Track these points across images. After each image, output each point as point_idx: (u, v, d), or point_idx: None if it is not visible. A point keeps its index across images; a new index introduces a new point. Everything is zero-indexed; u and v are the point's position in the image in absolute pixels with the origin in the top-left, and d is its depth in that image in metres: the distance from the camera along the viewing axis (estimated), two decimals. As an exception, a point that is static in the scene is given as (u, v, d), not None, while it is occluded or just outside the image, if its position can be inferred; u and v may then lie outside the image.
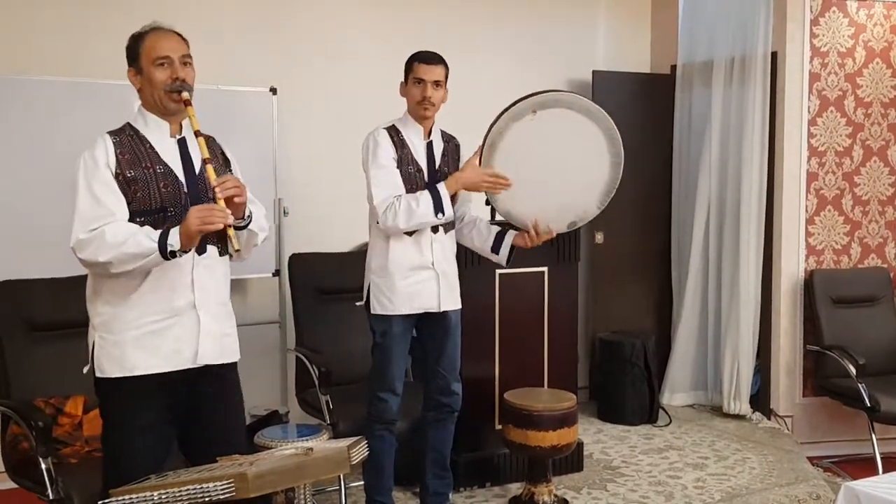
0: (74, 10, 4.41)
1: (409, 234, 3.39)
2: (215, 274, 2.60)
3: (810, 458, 4.78)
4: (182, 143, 2.58)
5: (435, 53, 3.42)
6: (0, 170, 4.12)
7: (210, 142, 2.63)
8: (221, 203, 2.41)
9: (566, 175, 3.39)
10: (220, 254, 2.62)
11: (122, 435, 2.51)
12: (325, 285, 4.37)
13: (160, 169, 2.52)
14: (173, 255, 2.40)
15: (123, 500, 2.17)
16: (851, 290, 5.14)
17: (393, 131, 3.44)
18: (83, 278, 3.53)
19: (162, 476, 2.32)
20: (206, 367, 2.56)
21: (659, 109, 5.76)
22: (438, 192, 3.32)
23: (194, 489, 2.12)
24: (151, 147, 2.54)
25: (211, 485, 2.11)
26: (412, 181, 3.39)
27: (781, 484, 4.28)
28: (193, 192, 2.54)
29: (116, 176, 2.47)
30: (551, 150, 3.34)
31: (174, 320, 2.51)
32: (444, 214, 3.32)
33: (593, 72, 5.62)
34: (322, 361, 3.89)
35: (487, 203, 3.68)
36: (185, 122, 2.59)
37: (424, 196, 3.32)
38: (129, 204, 2.47)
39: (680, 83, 5.69)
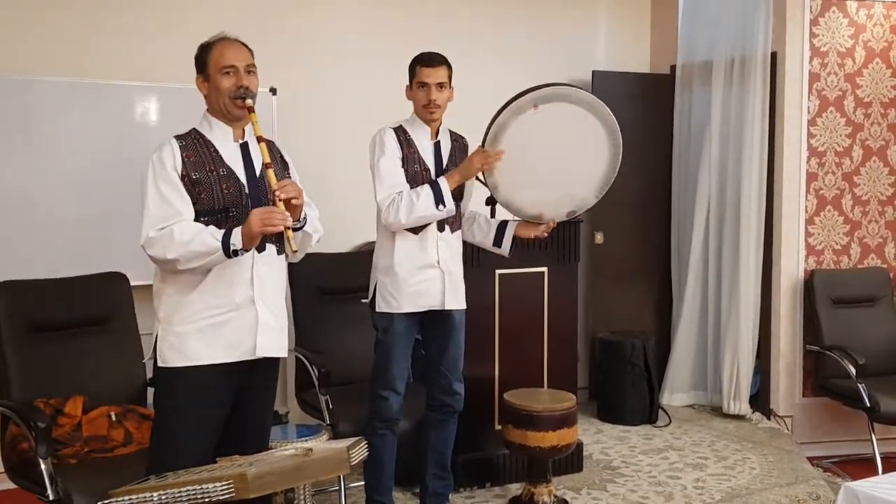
0: (75, 10, 4.40)
1: (415, 233, 3.40)
2: (273, 271, 2.75)
3: (810, 459, 4.78)
4: (244, 148, 2.74)
5: (436, 54, 3.43)
6: (1, 170, 4.12)
7: (271, 146, 2.76)
8: (281, 206, 2.56)
9: (566, 166, 3.44)
10: (278, 252, 2.76)
11: (179, 424, 2.64)
12: (326, 285, 4.37)
13: (223, 171, 2.66)
14: (235, 253, 2.55)
15: (123, 500, 2.17)
16: (851, 290, 5.14)
17: (400, 131, 3.46)
18: (84, 278, 3.57)
19: (162, 476, 2.33)
20: (262, 361, 2.70)
21: (659, 109, 5.76)
22: (439, 185, 3.35)
23: (194, 489, 2.12)
24: (215, 151, 2.69)
25: (210, 485, 2.12)
26: (418, 180, 3.40)
27: (781, 484, 4.28)
28: (254, 194, 2.69)
29: (182, 178, 2.61)
30: (552, 142, 3.39)
31: (234, 314, 2.66)
32: (444, 206, 3.34)
33: (593, 72, 5.62)
34: (322, 362, 3.89)
35: (487, 203, 3.69)
36: (248, 128, 2.74)
37: (425, 190, 3.34)
38: (194, 204, 2.61)
39: (680, 83, 5.69)
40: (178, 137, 2.69)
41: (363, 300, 3.58)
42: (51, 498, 2.92)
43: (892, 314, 5.19)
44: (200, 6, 4.63)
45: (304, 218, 2.73)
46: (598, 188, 3.50)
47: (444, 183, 3.36)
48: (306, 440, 3.49)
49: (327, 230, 4.79)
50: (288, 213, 2.56)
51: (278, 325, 2.77)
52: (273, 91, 4.68)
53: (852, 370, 4.62)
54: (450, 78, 3.44)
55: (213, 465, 2.39)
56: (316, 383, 3.86)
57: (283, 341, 2.80)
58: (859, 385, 4.57)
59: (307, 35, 4.97)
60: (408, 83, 3.46)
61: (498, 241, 3.59)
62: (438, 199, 3.33)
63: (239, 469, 2.20)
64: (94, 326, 3.54)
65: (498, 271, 4.17)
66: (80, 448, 3.21)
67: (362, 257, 3.76)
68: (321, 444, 2.70)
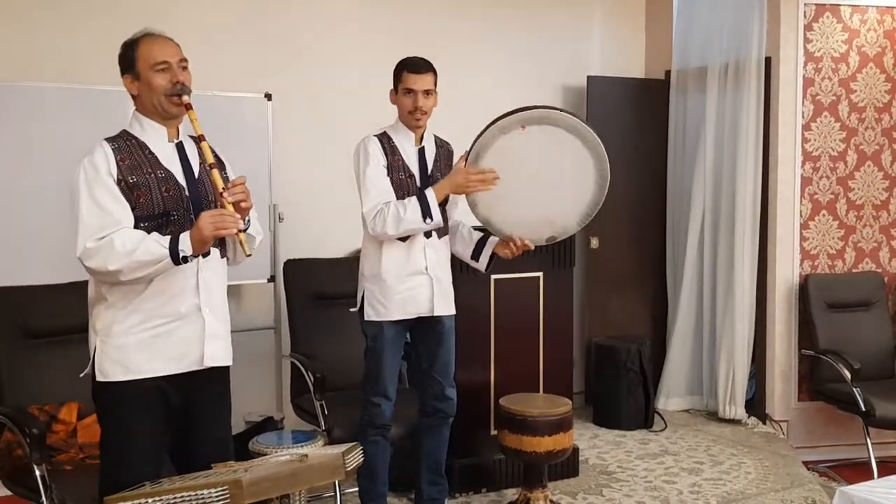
0: (70, 17, 4.40)
1: (402, 240, 3.39)
2: (218, 276, 2.64)
3: (806, 463, 4.78)
4: (180, 148, 2.61)
5: (423, 61, 3.41)
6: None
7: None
8: (230, 208, 2.45)
9: (549, 190, 3.36)
10: (221, 255, 2.65)
11: (124, 440, 2.50)
12: (320, 291, 4.37)
13: (161, 174, 2.53)
14: (185, 260, 2.43)
15: (118, 507, 2.17)
16: (846, 294, 5.15)
17: (384, 138, 3.45)
18: (78, 284, 3.53)
19: (156, 483, 2.32)
20: (207, 370, 2.58)
21: (653, 115, 5.77)
22: (426, 197, 3.32)
23: (189, 496, 2.12)
24: (150, 152, 2.55)
25: (206, 491, 2.11)
26: (403, 187, 3.39)
27: (777, 489, 4.29)
28: (194, 196, 2.56)
29: (119, 182, 2.47)
30: (537, 164, 3.33)
31: (179, 323, 2.53)
32: (432, 219, 3.32)
33: (588, 77, 5.63)
34: (317, 367, 3.88)
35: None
36: (182, 127, 2.61)
37: (412, 202, 3.32)
38: (132, 209, 2.47)
39: (674, 88, 5.70)
40: (109, 140, 2.53)
41: (351, 309, 3.56)
42: (45, 505, 2.91)
43: (887, 318, 5.20)
44: (196, 12, 4.63)
45: (248, 220, 2.61)
46: (582, 217, 3.41)
47: (431, 195, 3.32)
48: (302, 446, 3.49)
49: (323, 235, 4.85)
50: (238, 216, 2.45)
51: (225, 332, 2.65)
52: (268, 96, 4.68)
53: (847, 374, 4.62)
54: (435, 84, 3.43)
55: (208, 472, 2.39)
56: (311, 389, 3.85)
57: (229, 349, 2.66)
58: (854, 389, 4.57)
59: (302, 40, 4.97)
60: (392, 88, 3.45)
61: (476, 256, 3.55)
62: (426, 213, 3.30)
63: (234, 475, 2.20)
64: (88, 333, 3.52)
65: (493, 276, 4.17)
66: (75, 454, 3.21)
67: (357, 263, 3.76)
68: (316, 450, 2.69)
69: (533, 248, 3.45)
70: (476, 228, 3.63)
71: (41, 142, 4.17)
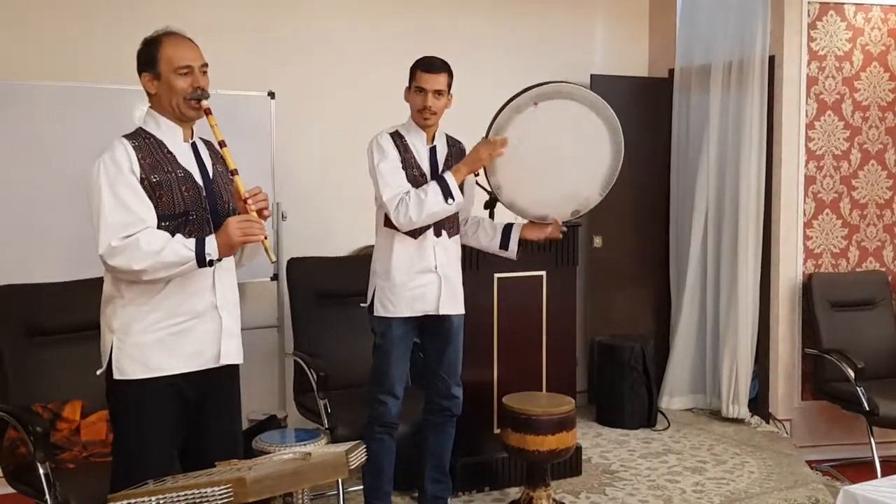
0: (73, 15, 4.41)
1: (414, 237, 3.40)
2: (231, 276, 2.67)
3: (809, 462, 4.78)
4: (194, 148, 2.63)
5: (438, 60, 3.42)
6: (0, 174, 4.11)
7: (211, 146, 2.67)
8: (254, 214, 2.48)
9: (568, 164, 3.44)
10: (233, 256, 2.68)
11: (140, 438, 2.53)
12: (324, 289, 4.37)
13: (180, 173, 2.55)
14: (210, 263, 2.46)
15: (121, 505, 2.17)
16: (850, 293, 5.14)
17: (396, 136, 3.46)
18: (83, 282, 3.56)
19: (160, 481, 2.32)
20: (221, 368, 2.61)
21: (657, 113, 5.77)
22: (445, 179, 3.34)
23: (192, 494, 2.11)
24: (169, 151, 2.56)
25: (209, 489, 2.11)
26: (415, 185, 3.39)
27: (780, 488, 4.28)
28: (210, 197, 2.59)
29: (142, 181, 2.47)
30: (553, 140, 3.39)
31: (196, 321, 2.56)
32: (454, 200, 3.32)
33: (591, 76, 5.62)
34: (320, 366, 3.89)
35: (486, 206, 3.69)
36: (195, 128, 2.64)
37: (432, 186, 3.33)
38: (154, 208, 2.49)
39: (678, 87, 5.69)
40: (128, 137, 2.53)
41: (361, 304, 3.58)
42: (49, 503, 2.91)
43: (891, 317, 5.19)
44: (199, 10, 4.63)
45: None
46: (602, 186, 3.50)
47: (450, 177, 3.34)
48: (305, 444, 3.49)
49: (326, 234, 4.85)
50: (263, 223, 2.49)
51: (238, 330, 2.68)
52: (271, 95, 4.68)
53: (851, 373, 4.62)
54: (449, 85, 3.43)
55: (212, 469, 2.39)
56: (314, 387, 3.86)
57: (241, 347, 2.69)
58: (858, 388, 4.57)
59: (305, 39, 4.97)
60: (407, 85, 3.46)
61: (504, 244, 3.57)
62: (447, 194, 3.31)
63: (238, 473, 2.19)
64: (93, 331, 3.51)
65: (497, 275, 4.17)
66: (79, 452, 3.21)
67: (360, 261, 3.77)
68: (320, 449, 2.68)
69: (560, 224, 3.55)
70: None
71: (48, 140, 4.18)
